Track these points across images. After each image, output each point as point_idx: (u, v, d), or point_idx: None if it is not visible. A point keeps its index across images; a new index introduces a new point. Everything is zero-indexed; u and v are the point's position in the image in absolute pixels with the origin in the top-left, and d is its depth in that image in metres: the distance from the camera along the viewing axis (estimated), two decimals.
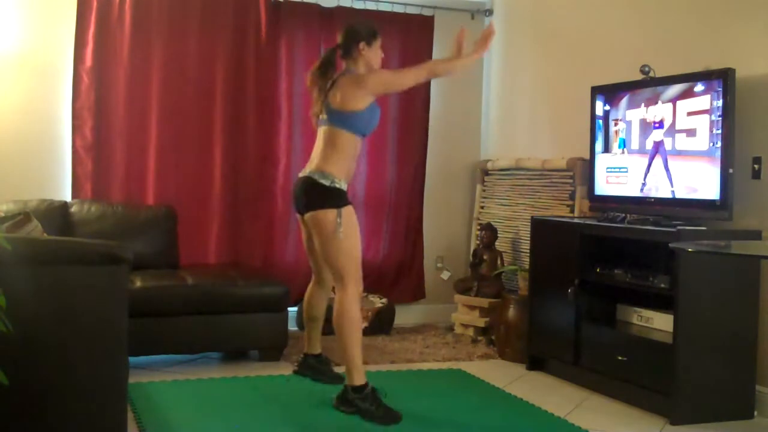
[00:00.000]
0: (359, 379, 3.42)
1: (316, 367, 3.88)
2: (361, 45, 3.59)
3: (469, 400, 4.03)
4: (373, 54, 3.63)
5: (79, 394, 2.75)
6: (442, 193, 6.12)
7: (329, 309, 3.73)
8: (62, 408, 2.72)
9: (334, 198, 3.43)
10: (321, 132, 3.60)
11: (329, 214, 3.41)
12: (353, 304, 3.44)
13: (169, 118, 5.28)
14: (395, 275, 5.93)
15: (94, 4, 5.08)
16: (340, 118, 3.49)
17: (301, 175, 3.58)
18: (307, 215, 3.50)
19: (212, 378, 4.27)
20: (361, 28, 3.63)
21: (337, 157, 3.48)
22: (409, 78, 3.64)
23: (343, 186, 3.48)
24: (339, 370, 3.81)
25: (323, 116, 3.57)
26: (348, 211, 3.46)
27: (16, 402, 2.58)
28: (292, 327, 4.89)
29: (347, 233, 3.43)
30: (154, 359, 4.58)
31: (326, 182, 3.43)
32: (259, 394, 3.99)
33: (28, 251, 2.70)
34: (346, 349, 3.42)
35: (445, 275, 6.09)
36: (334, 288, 3.59)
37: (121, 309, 2.82)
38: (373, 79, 3.53)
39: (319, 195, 3.44)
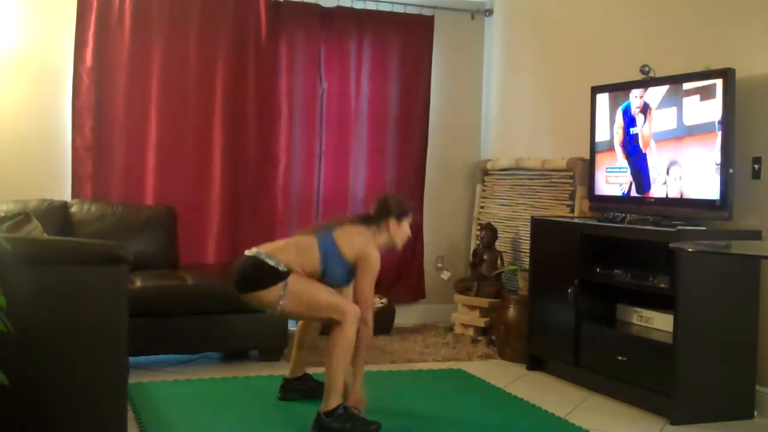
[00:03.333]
0: (334, 403, 3.37)
1: (299, 389, 3.89)
2: (391, 221, 3.66)
3: (469, 400, 4.03)
4: (399, 231, 3.70)
5: (79, 394, 2.75)
6: (442, 193, 6.11)
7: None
8: (62, 408, 2.72)
9: (278, 275, 3.41)
10: (304, 236, 3.61)
11: (274, 291, 3.40)
12: (351, 328, 3.39)
13: (169, 118, 5.28)
14: (395, 275, 5.93)
15: (94, 4, 5.08)
16: (331, 250, 3.51)
17: (247, 252, 3.54)
18: (250, 296, 3.49)
19: (212, 378, 4.27)
20: (393, 204, 3.70)
21: (297, 260, 3.47)
22: (369, 297, 3.54)
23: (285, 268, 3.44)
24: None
25: (320, 231, 3.59)
26: (291, 280, 3.42)
27: (16, 402, 2.58)
28: (292, 327, 4.87)
29: (298, 295, 3.42)
30: (154, 359, 4.58)
31: (271, 262, 3.42)
32: (259, 394, 3.99)
33: (28, 251, 2.70)
34: (332, 372, 3.38)
35: (445, 275, 6.09)
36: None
37: (121, 309, 2.81)
38: (370, 265, 3.51)
39: (263, 274, 3.42)
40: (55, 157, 5.13)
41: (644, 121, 4.22)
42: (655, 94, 4.15)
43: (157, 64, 5.25)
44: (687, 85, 3.97)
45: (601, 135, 4.53)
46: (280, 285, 3.38)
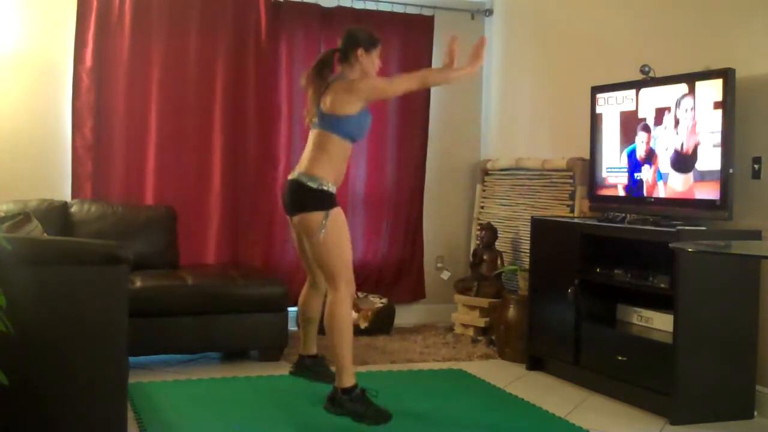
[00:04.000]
0: (348, 381, 3.41)
1: (312, 368, 3.88)
2: (360, 51, 3.59)
3: (469, 400, 4.03)
4: (370, 61, 3.63)
5: (79, 394, 2.75)
6: (442, 193, 6.11)
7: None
8: (62, 408, 2.72)
9: (322, 200, 3.44)
10: (311, 134, 3.61)
11: (316, 216, 3.42)
12: (344, 305, 3.44)
13: (169, 118, 5.28)
14: (395, 275, 5.93)
15: (94, 4, 5.08)
16: (330, 122, 3.50)
17: (289, 177, 3.58)
18: (296, 218, 3.51)
19: (212, 378, 4.27)
20: (361, 34, 3.64)
21: (325, 161, 3.48)
22: (400, 86, 3.64)
23: (332, 188, 3.48)
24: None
25: (315, 119, 3.58)
26: (335, 213, 3.45)
27: (16, 402, 2.58)
28: (292, 327, 4.88)
29: (334, 235, 3.43)
30: (154, 359, 4.58)
31: (314, 185, 3.44)
32: (259, 394, 3.99)
33: (28, 251, 2.70)
34: (336, 350, 3.42)
35: (445, 275, 6.09)
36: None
37: (121, 309, 2.82)
38: (365, 85, 3.53)
39: (306, 197, 3.45)
40: (55, 157, 5.13)
41: (644, 121, 4.22)
42: (655, 93, 4.14)
43: (157, 64, 5.25)
44: (687, 85, 3.96)
45: (601, 135, 4.53)
46: (323, 214, 3.41)
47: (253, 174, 5.48)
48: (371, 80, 3.58)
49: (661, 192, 4.11)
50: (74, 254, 2.85)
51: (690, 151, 3.94)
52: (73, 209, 4.85)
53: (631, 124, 4.32)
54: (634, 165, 4.29)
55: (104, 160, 5.16)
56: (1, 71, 5.00)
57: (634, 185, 4.29)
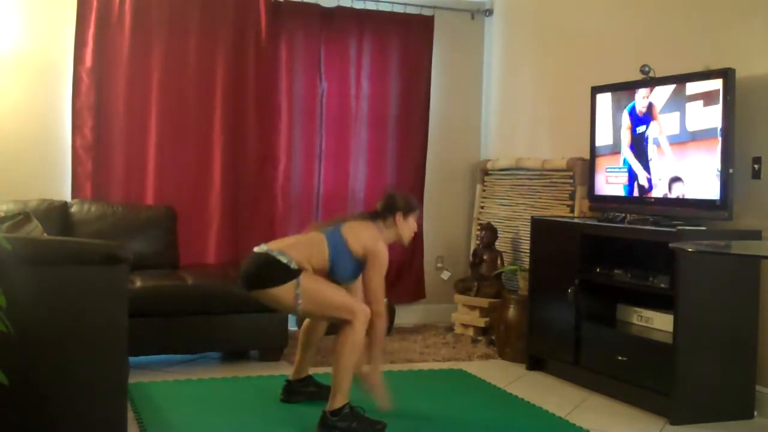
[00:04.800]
0: (340, 402, 3.37)
1: (305, 391, 3.87)
2: (398, 216, 3.66)
3: (469, 400, 4.03)
4: (407, 226, 3.70)
5: (79, 394, 2.75)
6: (442, 193, 6.11)
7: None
8: (62, 408, 2.72)
9: (290, 274, 3.41)
10: (314, 234, 3.61)
11: (288, 288, 3.40)
12: (361, 330, 3.41)
13: (169, 118, 5.28)
14: (395, 275, 5.92)
15: (94, 4, 5.08)
16: (339, 244, 3.51)
17: (257, 249, 3.55)
18: (262, 294, 3.49)
19: (212, 378, 4.27)
20: (400, 200, 3.70)
21: (305, 255, 3.47)
22: (380, 290, 3.55)
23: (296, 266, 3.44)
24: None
25: (329, 228, 3.60)
26: (304, 279, 3.42)
27: (16, 402, 2.58)
28: (292, 327, 4.88)
29: (312, 294, 3.42)
30: (154, 359, 4.58)
31: (284, 260, 3.42)
32: (259, 394, 3.99)
33: (28, 251, 2.70)
34: (339, 373, 3.38)
35: (445, 275, 6.09)
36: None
37: (121, 309, 2.82)
38: (381, 263, 3.51)
39: (275, 272, 3.42)
40: (55, 157, 5.13)
41: (644, 121, 4.22)
42: (655, 93, 4.15)
43: (157, 64, 5.25)
44: (687, 85, 3.97)
45: (604, 138, 4.53)
46: (293, 283, 3.39)
47: (253, 174, 5.48)
48: (383, 267, 3.54)
49: (660, 191, 4.11)
50: (74, 254, 2.85)
51: (688, 150, 3.94)
52: (73, 209, 4.85)
53: (630, 123, 4.32)
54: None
55: (104, 160, 5.16)
56: (1, 71, 5.00)
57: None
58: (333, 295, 3.47)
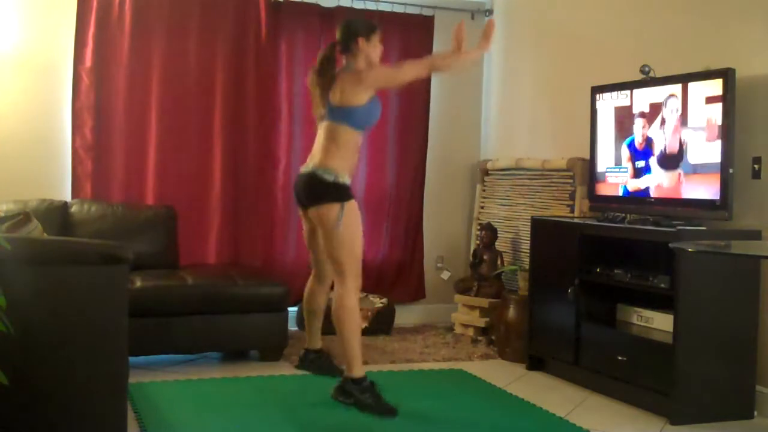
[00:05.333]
0: (358, 371, 3.46)
1: (316, 363, 3.90)
2: (360, 40, 3.61)
3: (470, 400, 4.03)
4: (372, 48, 3.64)
5: (79, 394, 2.76)
6: (442, 193, 6.11)
7: (328, 308, 3.75)
8: (62, 408, 2.73)
9: (338, 192, 3.47)
10: (321, 128, 3.63)
11: (333, 208, 3.45)
12: (352, 297, 3.48)
13: (169, 118, 5.28)
14: (395, 275, 5.93)
15: (94, 4, 5.08)
16: (340, 114, 3.52)
17: (303, 170, 3.60)
18: (311, 210, 3.53)
19: (212, 378, 4.27)
20: (358, 23, 3.66)
21: (338, 152, 3.51)
22: (409, 73, 3.65)
23: (347, 180, 3.52)
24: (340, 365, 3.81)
25: (323, 112, 3.60)
26: (351, 205, 3.49)
27: (16, 402, 2.58)
28: (292, 327, 4.89)
29: (348, 227, 3.47)
30: (154, 359, 4.58)
31: (330, 177, 3.47)
32: (259, 394, 3.99)
33: (28, 251, 2.70)
34: (345, 341, 3.46)
35: (445, 275, 6.09)
36: (333, 284, 3.61)
37: (121, 309, 2.82)
38: (373, 74, 3.56)
39: (323, 190, 3.48)
40: (55, 157, 5.13)
41: (644, 121, 4.22)
42: (655, 94, 4.14)
43: (157, 64, 5.25)
44: (687, 85, 3.97)
45: (601, 134, 4.53)
46: (338, 205, 3.43)
47: (253, 174, 5.48)
48: (379, 68, 3.62)
49: (660, 189, 4.11)
50: (74, 254, 2.85)
51: (688, 148, 3.95)
52: (73, 209, 4.85)
53: (629, 121, 4.32)
54: (635, 155, 4.29)
55: (104, 160, 5.16)
56: (1, 71, 5.00)
57: (635, 182, 4.30)
58: (355, 245, 3.50)
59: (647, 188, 4.20)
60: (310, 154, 3.65)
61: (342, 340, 3.47)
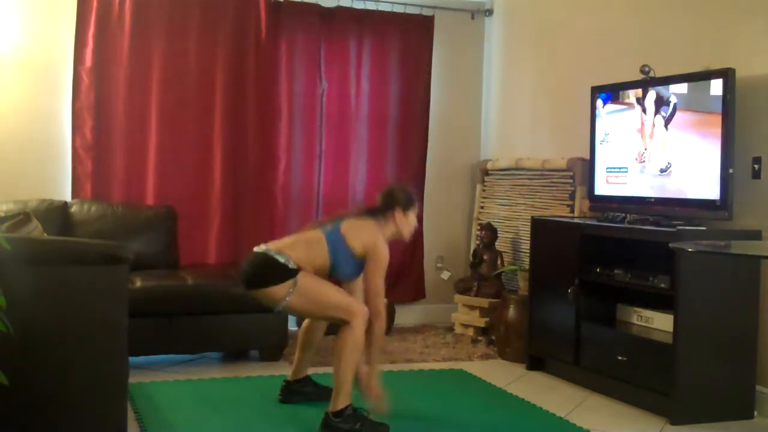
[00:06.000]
0: (343, 403, 3.36)
1: (303, 392, 3.86)
2: (397, 211, 3.63)
3: (470, 400, 4.03)
4: (406, 222, 3.66)
5: (79, 394, 2.76)
6: (442, 193, 6.11)
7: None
8: (62, 408, 2.73)
9: (288, 273, 3.40)
10: (312, 232, 3.59)
11: (283, 288, 3.39)
12: (360, 328, 3.38)
13: (169, 118, 5.28)
14: (395, 275, 5.92)
15: (94, 4, 5.08)
16: (338, 242, 3.49)
17: (256, 249, 3.54)
18: (259, 293, 3.48)
19: (212, 378, 4.27)
20: (401, 193, 3.67)
21: (305, 255, 3.46)
22: (380, 289, 3.51)
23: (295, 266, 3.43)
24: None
25: (328, 226, 3.57)
26: (301, 278, 3.41)
27: (16, 402, 2.58)
28: (292, 327, 4.88)
29: (308, 292, 3.41)
30: (154, 359, 4.58)
31: (281, 260, 3.41)
32: (259, 394, 3.99)
33: (28, 251, 2.70)
34: (341, 373, 3.37)
35: (445, 275, 6.09)
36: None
37: (121, 309, 2.82)
38: (379, 259, 3.48)
39: (272, 272, 3.41)
40: (55, 157, 5.13)
41: (644, 121, 4.22)
42: (655, 93, 4.14)
43: (157, 64, 5.25)
44: (687, 85, 3.97)
45: (602, 135, 4.53)
46: (290, 282, 3.37)
47: (253, 174, 5.48)
48: (383, 266, 3.51)
49: (660, 189, 4.11)
50: (74, 254, 2.85)
51: (689, 148, 3.95)
52: (73, 209, 4.85)
53: (629, 121, 4.32)
54: (635, 155, 4.30)
55: (104, 160, 5.16)
56: (1, 71, 5.00)
57: (634, 184, 4.30)
58: (331, 294, 3.45)
59: (647, 188, 4.20)
60: (279, 239, 3.61)
61: (337, 371, 3.38)
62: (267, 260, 3.43)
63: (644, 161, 4.23)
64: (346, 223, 3.56)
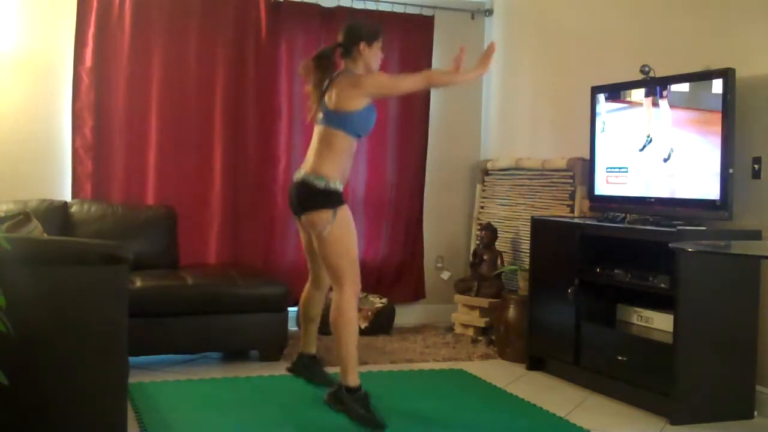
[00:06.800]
0: (353, 380, 3.40)
1: (309, 368, 3.87)
2: (362, 45, 3.57)
3: (470, 400, 4.03)
4: (372, 55, 3.61)
5: (79, 394, 2.75)
6: (442, 193, 6.11)
7: (326, 308, 3.75)
8: (62, 408, 2.72)
9: (329, 199, 3.45)
10: (316, 131, 3.61)
11: (324, 215, 3.43)
12: (350, 304, 3.44)
13: (169, 118, 5.28)
14: (395, 275, 5.93)
15: (94, 4, 5.08)
16: (335, 119, 3.50)
17: (296, 177, 3.58)
18: (303, 217, 3.51)
19: (212, 378, 4.27)
20: (363, 27, 3.62)
21: (331, 158, 3.49)
22: (406, 84, 3.66)
23: (339, 186, 3.49)
24: (332, 370, 3.79)
25: (319, 115, 3.58)
26: (342, 211, 3.46)
27: (16, 402, 2.58)
28: (292, 327, 4.88)
29: (341, 233, 3.44)
30: (154, 359, 4.58)
31: (321, 184, 3.44)
32: (259, 394, 3.99)
33: (28, 251, 2.70)
34: (342, 349, 3.42)
35: (445, 275, 6.09)
36: (331, 288, 3.59)
37: (121, 309, 2.82)
38: (371, 81, 3.53)
39: (314, 197, 3.46)
40: (55, 157, 5.13)
41: (644, 121, 4.22)
42: (655, 93, 4.14)
43: (157, 64, 5.25)
44: (687, 85, 3.97)
45: (602, 135, 4.53)
46: (330, 212, 3.41)
47: (253, 174, 5.48)
48: (377, 76, 3.59)
49: (660, 188, 4.11)
50: (74, 254, 2.85)
51: (689, 148, 3.95)
52: (73, 209, 4.85)
53: (629, 121, 4.32)
54: (635, 155, 4.29)
55: (104, 160, 5.16)
56: (1, 71, 5.00)
57: (635, 183, 4.30)
58: (347, 250, 3.46)
59: (647, 188, 4.20)
60: (305, 158, 3.63)
61: (339, 347, 3.43)
62: (309, 186, 3.46)
63: (644, 161, 4.23)
64: (327, 100, 3.52)
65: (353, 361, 3.41)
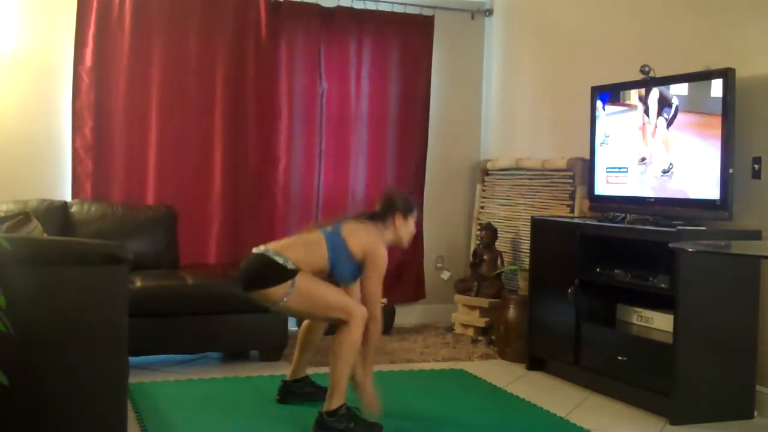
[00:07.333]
0: (337, 402, 3.36)
1: (300, 392, 3.86)
2: (398, 216, 3.63)
3: (470, 400, 4.03)
4: (405, 228, 3.67)
5: (79, 394, 2.75)
6: (442, 193, 6.11)
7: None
8: (62, 408, 2.72)
9: (285, 273, 3.40)
10: (309, 233, 3.61)
11: (281, 288, 3.40)
12: (359, 329, 3.38)
13: (169, 118, 5.28)
14: (395, 275, 5.91)
15: (94, 4, 5.08)
16: (338, 247, 3.49)
17: (256, 251, 3.54)
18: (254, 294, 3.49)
19: (212, 378, 4.27)
20: (399, 200, 3.67)
21: (303, 256, 3.46)
22: (377, 293, 3.51)
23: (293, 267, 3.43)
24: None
25: (327, 228, 3.58)
26: (298, 279, 3.41)
27: (16, 402, 2.58)
28: (292, 327, 4.88)
29: (304, 293, 3.41)
30: (154, 359, 4.58)
31: (280, 260, 3.41)
32: (259, 394, 3.99)
33: (28, 251, 2.70)
34: (337, 372, 3.37)
35: (445, 275, 6.09)
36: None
37: (121, 309, 2.82)
38: (380, 264, 3.49)
39: (269, 273, 3.42)
40: (55, 157, 5.13)
41: (644, 121, 4.22)
42: (655, 93, 4.15)
43: (157, 64, 5.25)
44: (687, 85, 3.97)
45: (602, 134, 4.53)
46: (288, 283, 3.38)
47: (253, 174, 5.48)
48: (382, 270, 3.51)
49: (660, 189, 4.11)
50: (74, 254, 2.84)
51: (689, 148, 3.95)
52: (73, 209, 4.85)
53: (629, 121, 4.32)
54: (635, 155, 4.29)
55: (104, 160, 5.16)
56: (1, 71, 5.00)
57: (635, 184, 4.30)
58: (329, 294, 3.46)
59: (647, 188, 4.20)
60: (278, 240, 3.62)
61: (334, 371, 3.37)
62: (265, 261, 3.43)
63: (645, 162, 4.23)
64: (347, 226, 3.57)
65: (344, 385, 3.37)
